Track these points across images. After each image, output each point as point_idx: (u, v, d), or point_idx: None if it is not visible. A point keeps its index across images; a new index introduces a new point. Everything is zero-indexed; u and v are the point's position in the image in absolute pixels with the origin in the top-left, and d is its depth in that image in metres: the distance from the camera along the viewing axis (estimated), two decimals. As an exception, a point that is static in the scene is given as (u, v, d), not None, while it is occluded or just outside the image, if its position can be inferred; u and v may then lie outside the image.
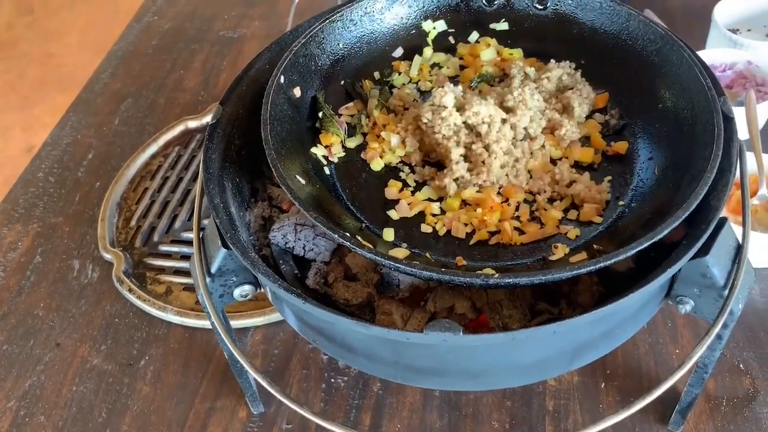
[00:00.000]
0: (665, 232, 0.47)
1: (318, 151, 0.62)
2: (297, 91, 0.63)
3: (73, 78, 2.90)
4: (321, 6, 0.86)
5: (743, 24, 1.05)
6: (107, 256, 0.87)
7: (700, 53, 0.83)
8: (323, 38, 0.65)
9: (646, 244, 0.47)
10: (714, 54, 0.94)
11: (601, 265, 0.46)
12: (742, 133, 0.81)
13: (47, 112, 2.80)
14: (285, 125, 0.60)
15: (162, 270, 0.86)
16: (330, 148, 0.63)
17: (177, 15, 1.29)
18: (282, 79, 0.60)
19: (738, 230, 0.54)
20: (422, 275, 0.47)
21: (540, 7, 0.69)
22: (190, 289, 0.83)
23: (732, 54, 0.94)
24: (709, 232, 0.49)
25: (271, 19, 1.24)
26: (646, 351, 0.73)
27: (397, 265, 0.47)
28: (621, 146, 0.61)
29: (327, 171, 0.61)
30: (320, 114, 0.64)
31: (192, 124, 1.03)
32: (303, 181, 0.56)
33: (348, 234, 0.50)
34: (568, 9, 0.67)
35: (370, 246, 0.50)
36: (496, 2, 0.70)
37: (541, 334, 0.45)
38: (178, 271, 0.86)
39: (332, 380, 0.74)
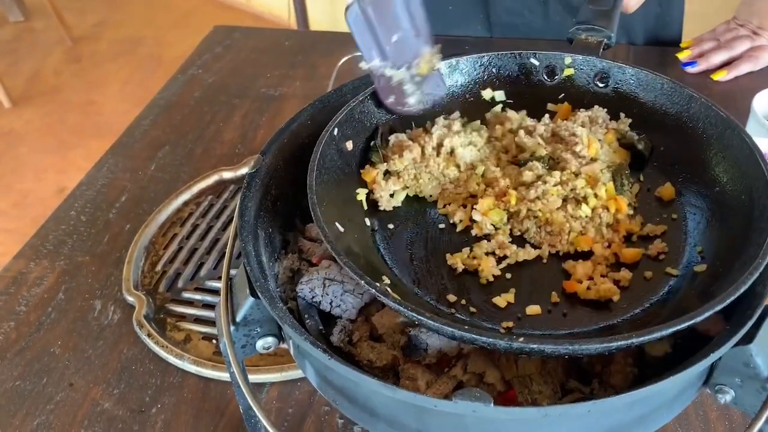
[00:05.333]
0: (701, 317, 0.45)
1: (361, 195, 0.63)
2: (349, 145, 0.63)
3: (110, 126, 2.99)
4: (361, 71, 0.87)
5: (782, 116, 1.05)
6: (130, 299, 0.86)
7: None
8: None
9: (679, 327, 0.45)
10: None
11: (633, 341, 0.44)
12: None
13: (82, 157, 2.87)
14: (333, 174, 0.60)
15: (183, 317, 0.85)
16: (374, 186, 0.63)
17: (221, 70, 1.32)
18: (336, 131, 0.61)
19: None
20: (444, 330, 0.45)
21: (601, 84, 0.69)
22: (208, 338, 0.82)
23: (771, 144, 0.93)
24: (754, 319, 0.47)
25: (313, 80, 1.27)
26: (676, 442, 0.69)
27: (419, 317, 0.45)
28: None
29: (367, 222, 0.61)
30: (372, 143, 0.65)
31: (227, 174, 1.04)
32: (341, 229, 0.56)
33: (377, 284, 0.49)
34: (629, 88, 0.67)
35: (396, 296, 0.49)
36: (556, 77, 0.70)
37: (575, 411, 0.43)
38: (198, 320, 0.85)
39: (346, 446, 0.71)
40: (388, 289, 0.50)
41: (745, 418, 0.70)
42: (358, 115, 0.65)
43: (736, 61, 1.19)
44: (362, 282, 0.47)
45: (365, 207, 0.62)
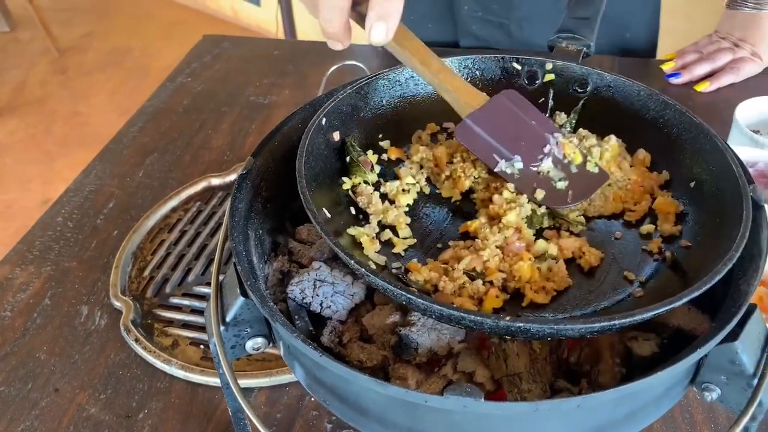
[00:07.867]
0: (680, 302, 0.46)
1: (347, 185, 0.64)
2: (336, 136, 0.64)
3: (97, 136, 2.98)
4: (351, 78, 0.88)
5: (764, 125, 1.07)
6: (117, 304, 0.86)
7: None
8: (368, 91, 0.67)
9: (659, 311, 0.46)
10: (736, 152, 0.95)
11: (615, 323, 0.45)
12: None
13: (68, 167, 2.86)
14: (320, 163, 0.61)
15: (171, 322, 0.85)
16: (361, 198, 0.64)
17: (210, 78, 1.33)
18: (324, 121, 0.62)
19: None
20: (433, 309, 0.46)
21: (580, 90, 0.70)
22: (196, 343, 0.82)
23: (753, 153, 0.95)
24: (739, 316, 0.48)
25: (302, 89, 1.27)
26: (663, 445, 0.70)
27: (408, 296, 0.46)
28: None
29: (353, 210, 0.62)
30: (347, 159, 0.66)
31: (215, 181, 1.04)
32: (328, 215, 0.58)
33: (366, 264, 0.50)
34: (607, 94, 0.69)
35: (385, 277, 0.49)
36: (537, 82, 0.71)
37: (565, 407, 0.43)
38: (186, 325, 0.84)
39: (335, 449, 0.71)
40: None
41: (730, 420, 0.71)
42: (345, 107, 0.66)
43: (718, 72, 1.21)
44: (351, 262, 0.48)
45: (350, 196, 0.63)
